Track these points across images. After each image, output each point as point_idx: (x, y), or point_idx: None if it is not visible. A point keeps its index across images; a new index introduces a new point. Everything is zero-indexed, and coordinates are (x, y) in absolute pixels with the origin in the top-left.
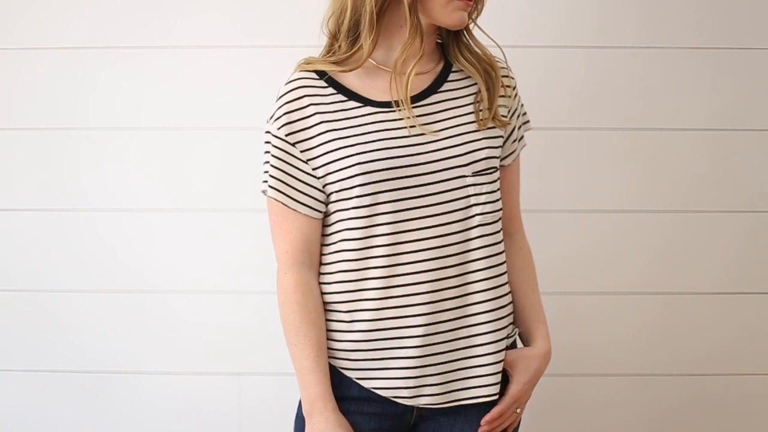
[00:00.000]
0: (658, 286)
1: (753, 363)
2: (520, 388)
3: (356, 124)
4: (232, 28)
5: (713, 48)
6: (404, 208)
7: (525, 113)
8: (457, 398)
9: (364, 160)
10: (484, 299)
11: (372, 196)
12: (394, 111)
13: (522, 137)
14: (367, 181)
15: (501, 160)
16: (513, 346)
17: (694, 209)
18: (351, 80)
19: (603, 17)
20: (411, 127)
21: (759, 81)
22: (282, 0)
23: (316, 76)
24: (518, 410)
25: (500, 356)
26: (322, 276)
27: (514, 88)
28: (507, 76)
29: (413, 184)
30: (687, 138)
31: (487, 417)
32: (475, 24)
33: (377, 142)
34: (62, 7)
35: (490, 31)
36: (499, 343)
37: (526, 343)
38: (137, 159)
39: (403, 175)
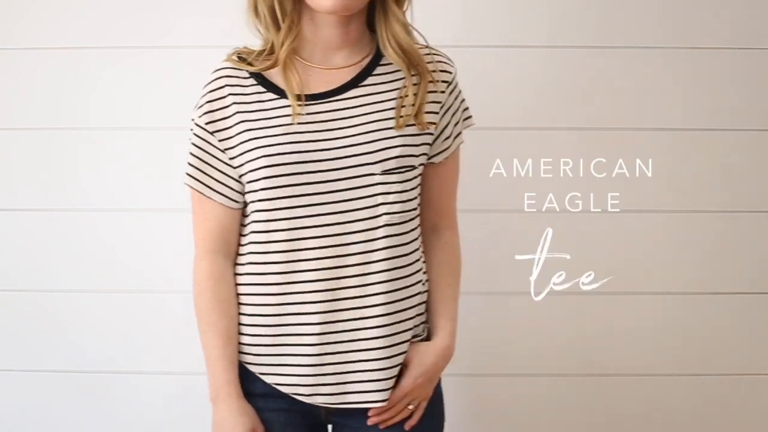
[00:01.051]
0: (658, 286)
1: (753, 363)
2: (411, 381)
3: (269, 116)
4: (232, 28)
5: (713, 48)
6: (304, 204)
7: (466, 109)
8: (349, 401)
9: (269, 153)
10: (382, 302)
11: (273, 191)
12: (309, 105)
13: (460, 134)
14: (270, 175)
15: (430, 158)
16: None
17: (694, 209)
18: (274, 72)
19: (603, 17)
20: (302, 122)
21: (759, 81)
22: None
23: (241, 66)
24: (410, 406)
25: (394, 361)
26: (236, 267)
27: (449, 83)
28: (444, 71)
29: (316, 180)
30: (688, 138)
31: (374, 409)
32: (409, 5)
33: (283, 136)
34: (62, 7)
35: (488, 30)
36: (392, 348)
37: (429, 338)
38: (137, 159)
39: (306, 170)
